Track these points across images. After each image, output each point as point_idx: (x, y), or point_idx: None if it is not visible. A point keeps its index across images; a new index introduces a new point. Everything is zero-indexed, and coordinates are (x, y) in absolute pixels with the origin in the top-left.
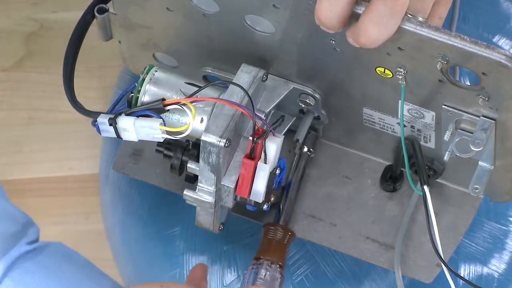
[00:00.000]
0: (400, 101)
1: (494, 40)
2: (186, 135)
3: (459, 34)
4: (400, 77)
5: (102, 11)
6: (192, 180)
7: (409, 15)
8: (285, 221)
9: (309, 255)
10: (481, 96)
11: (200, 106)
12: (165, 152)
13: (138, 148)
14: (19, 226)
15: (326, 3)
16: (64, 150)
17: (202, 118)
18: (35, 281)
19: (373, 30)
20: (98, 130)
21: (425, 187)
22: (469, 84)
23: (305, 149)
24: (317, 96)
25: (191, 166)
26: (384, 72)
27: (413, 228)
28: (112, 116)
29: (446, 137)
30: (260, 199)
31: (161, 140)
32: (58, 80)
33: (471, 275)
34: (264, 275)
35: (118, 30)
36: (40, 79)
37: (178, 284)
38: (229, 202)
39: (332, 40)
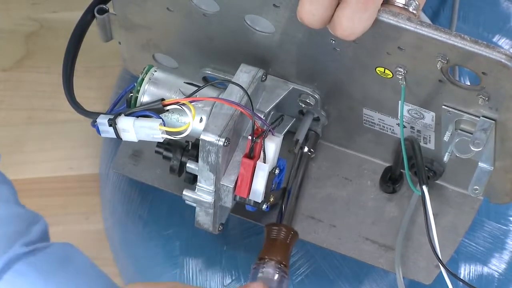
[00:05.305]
0: (400, 102)
1: (494, 39)
2: (186, 135)
3: (459, 33)
4: (400, 77)
5: (102, 11)
6: (192, 181)
7: (405, 6)
8: (287, 221)
9: (309, 255)
10: (481, 96)
11: (200, 105)
12: (165, 153)
13: (138, 149)
14: (23, 226)
15: (308, 7)
16: (64, 149)
17: (201, 117)
18: (24, 283)
19: (347, 24)
20: (98, 131)
21: (424, 187)
22: (469, 84)
23: (306, 149)
24: (316, 96)
25: (191, 166)
26: (384, 72)
27: (412, 229)
28: (111, 116)
29: (446, 137)
30: (259, 199)
31: (161, 141)
32: (58, 80)
33: (471, 274)
34: (269, 275)
35: (118, 30)
36: (40, 79)
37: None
38: (228, 202)
39: (332, 40)
